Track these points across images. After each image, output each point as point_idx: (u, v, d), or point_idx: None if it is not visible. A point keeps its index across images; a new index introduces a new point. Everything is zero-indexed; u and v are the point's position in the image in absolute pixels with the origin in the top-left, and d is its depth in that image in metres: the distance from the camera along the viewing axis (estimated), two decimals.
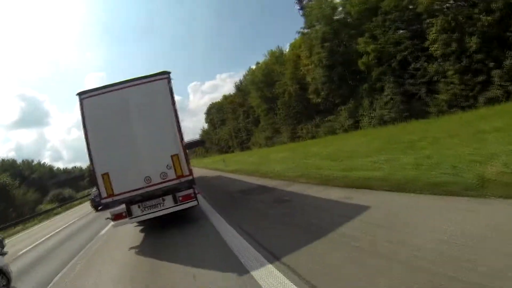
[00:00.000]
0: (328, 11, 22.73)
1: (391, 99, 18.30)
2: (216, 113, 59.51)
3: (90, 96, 6.19)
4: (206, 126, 68.60)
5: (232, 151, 48.42)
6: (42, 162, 66.19)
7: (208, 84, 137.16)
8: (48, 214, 28.64)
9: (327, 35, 22.49)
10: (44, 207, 35.85)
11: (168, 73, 6.23)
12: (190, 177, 6.07)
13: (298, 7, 35.77)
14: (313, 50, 24.51)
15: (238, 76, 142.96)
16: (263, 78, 33.15)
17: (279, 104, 29.63)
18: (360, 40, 19.91)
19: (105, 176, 5.96)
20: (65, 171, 73.85)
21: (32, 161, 61.58)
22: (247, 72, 46.62)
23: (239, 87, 49.77)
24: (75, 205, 33.35)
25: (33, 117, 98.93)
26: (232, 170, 15.61)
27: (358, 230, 3.63)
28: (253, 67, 42.64)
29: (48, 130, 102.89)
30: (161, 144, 6.04)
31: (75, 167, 79.26)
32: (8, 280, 5.83)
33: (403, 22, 17.92)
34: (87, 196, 38.38)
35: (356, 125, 21.46)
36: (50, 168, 68.38)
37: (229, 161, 20.93)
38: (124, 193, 5.99)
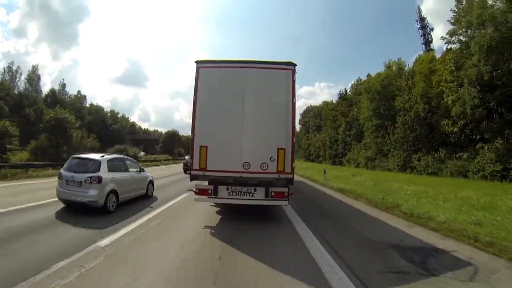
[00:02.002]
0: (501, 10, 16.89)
1: None
2: (313, 117, 57.34)
3: (208, 67, 6.08)
4: (298, 128, 67.59)
5: (321, 162, 45.34)
6: (127, 117, 67.70)
7: (305, 89, 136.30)
8: None
9: (492, 43, 16.80)
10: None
11: (294, 65, 5.95)
12: (290, 176, 5.80)
13: (419, 26, 43.61)
14: (462, 63, 19.26)
15: (336, 88, 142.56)
16: (381, 89, 28.87)
17: (398, 122, 24.81)
18: None
19: (203, 148, 5.82)
20: (145, 131, 73.04)
21: (118, 113, 64.10)
22: (356, 82, 42.97)
23: (343, 96, 46.29)
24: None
25: (133, 78, 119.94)
26: (339, 189, 12.19)
27: None
28: (363, 78, 39.61)
29: (144, 92, 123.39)
30: (270, 134, 5.81)
31: (156, 130, 79.98)
32: (153, 188, 9.42)
33: None
34: (152, 161, 37.60)
35: (504, 175, 15.57)
36: (132, 124, 67.87)
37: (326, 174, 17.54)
38: (218, 171, 5.83)
